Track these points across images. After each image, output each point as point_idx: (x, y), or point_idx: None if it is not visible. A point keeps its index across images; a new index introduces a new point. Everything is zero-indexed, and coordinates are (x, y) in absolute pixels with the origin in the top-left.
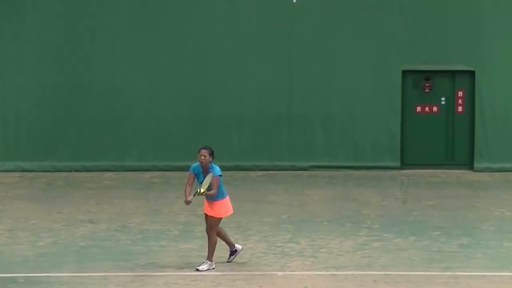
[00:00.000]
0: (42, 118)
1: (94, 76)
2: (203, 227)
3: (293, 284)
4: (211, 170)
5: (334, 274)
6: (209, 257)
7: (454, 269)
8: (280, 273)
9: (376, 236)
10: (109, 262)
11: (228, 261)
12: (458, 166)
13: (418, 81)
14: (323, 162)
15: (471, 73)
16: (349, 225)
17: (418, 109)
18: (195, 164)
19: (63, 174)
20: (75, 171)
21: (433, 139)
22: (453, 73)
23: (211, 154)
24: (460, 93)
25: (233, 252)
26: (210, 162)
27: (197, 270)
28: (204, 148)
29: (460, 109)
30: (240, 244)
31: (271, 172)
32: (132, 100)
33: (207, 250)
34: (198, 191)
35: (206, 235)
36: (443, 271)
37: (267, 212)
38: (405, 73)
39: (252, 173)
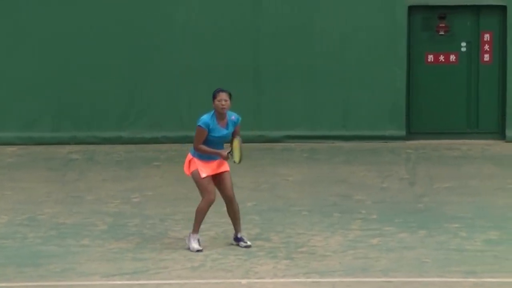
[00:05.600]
0: None
1: None
2: (139, 219)
3: None
4: (233, 118)
5: (317, 282)
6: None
7: (480, 274)
8: (244, 281)
9: (374, 230)
10: (11, 268)
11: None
12: (484, 134)
13: (429, 20)
14: (302, 131)
15: (502, 9)
16: (337, 215)
17: (430, 58)
18: (207, 115)
19: None
20: None
21: (451, 98)
22: (477, 10)
23: (231, 97)
24: (487, 37)
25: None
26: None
27: (249, 246)
28: (223, 90)
29: (486, 57)
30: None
31: None
32: (44, 48)
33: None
34: (233, 159)
35: (232, 202)
36: (464, 277)
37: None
38: (412, 9)
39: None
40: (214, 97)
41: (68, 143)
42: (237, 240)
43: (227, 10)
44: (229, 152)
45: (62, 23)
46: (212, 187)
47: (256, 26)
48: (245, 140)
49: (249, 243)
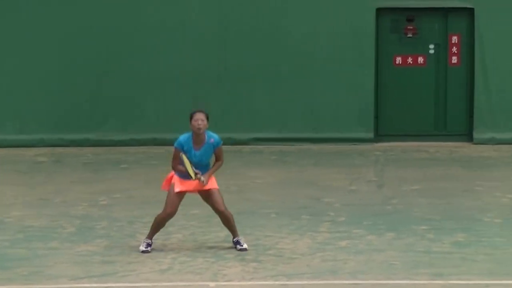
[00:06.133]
0: None
1: None
2: (107, 222)
3: None
4: (212, 141)
5: (285, 285)
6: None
7: (447, 276)
8: (212, 284)
9: (342, 232)
10: None
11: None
12: (452, 136)
13: (398, 22)
14: (270, 133)
15: (470, 12)
16: (305, 217)
17: (398, 60)
18: (184, 135)
19: None
20: None
21: (419, 100)
22: (445, 12)
23: (208, 118)
24: (455, 39)
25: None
26: (207, 129)
27: (244, 249)
28: (200, 111)
29: (454, 60)
30: (160, 246)
31: None
32: (10, 50)
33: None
34: (194, 176)
35: (223, 215)
36: (432, 279)
37: (194, 201)
38: (380, 11)
39: (173, 149)
40: (191, 117)
41: (35, 146)
42: (234, 243)
43: (194, 12)
44: (197, 174)
45: (28, 27)
46: (176, 202)
47: (224, 28)
48: None
49: (244, 246)
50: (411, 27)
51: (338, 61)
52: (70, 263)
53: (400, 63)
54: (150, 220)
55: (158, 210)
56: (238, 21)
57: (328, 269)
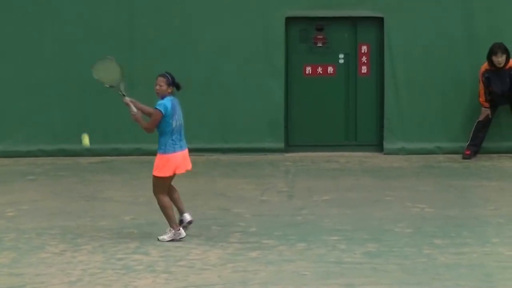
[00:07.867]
0: None
1: None
2: (15, 234)
3: None
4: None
5: None
6: (171, 224)
7: (358, 286)
8: None
9: (253, 243)
10: None
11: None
12: (362, 147)
13: (307, 32)
14: None
15: (379, 21)
16: (215, 228)
17: (308, 70)
18: None
19: None
20: None
21: (329, 111)
22: (354, 21)
23: (171, 83)
24: (365, 48)
25: (180, 221)
26: (171, 94)
27: (158, 239)
28: (162, 75)
29: (364, 69)
30: (69, 257)
31: (108, 158)
32: None
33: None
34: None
35: None
36: None
37: (103, 212)
38: (289, 21)
39: (82, 160)
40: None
41: None
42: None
43: (102, 19)
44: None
45: None
46: None
47: (131, 36)
48: (121, 153)
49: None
50: (321, 37)
51: (247, 70)
52: None
53: (310, 73)
54: (59, 232)
55: (67, 221)
56: (147, 30)
57: (239, 279)
